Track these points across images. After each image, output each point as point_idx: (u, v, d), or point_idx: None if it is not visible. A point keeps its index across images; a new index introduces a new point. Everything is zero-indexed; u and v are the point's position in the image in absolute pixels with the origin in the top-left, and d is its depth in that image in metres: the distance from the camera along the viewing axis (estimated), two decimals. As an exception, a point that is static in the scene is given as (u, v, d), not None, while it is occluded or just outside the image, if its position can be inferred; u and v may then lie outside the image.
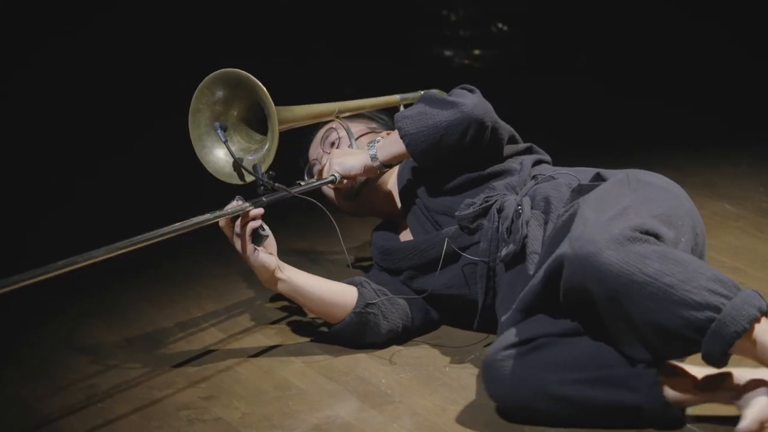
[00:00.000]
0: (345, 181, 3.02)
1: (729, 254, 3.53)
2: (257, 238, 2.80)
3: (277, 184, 2.81)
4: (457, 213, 2.90)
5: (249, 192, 2.83)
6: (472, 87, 2.97)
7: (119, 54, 5.41)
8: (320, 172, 3.12)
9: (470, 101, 2.89)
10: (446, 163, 2.97)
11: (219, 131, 2.83)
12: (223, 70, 2.83)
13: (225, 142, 2.81)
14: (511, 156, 3.02)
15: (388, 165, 3.03)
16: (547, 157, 3.07)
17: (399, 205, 3.12)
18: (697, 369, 2.49)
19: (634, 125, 5.00)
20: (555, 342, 2.52)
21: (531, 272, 2.72)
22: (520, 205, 2.81)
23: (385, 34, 6.14)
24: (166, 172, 4.25)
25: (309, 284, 2.91)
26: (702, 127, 4.92)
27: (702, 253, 2.75)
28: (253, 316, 3.16)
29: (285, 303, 3.24)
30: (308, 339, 3.03)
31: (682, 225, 2.61)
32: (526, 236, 2.77)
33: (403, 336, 2.98)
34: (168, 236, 2.67)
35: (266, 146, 2.83)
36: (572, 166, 2.98)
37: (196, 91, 2.85)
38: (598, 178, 2.80)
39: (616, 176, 2.71)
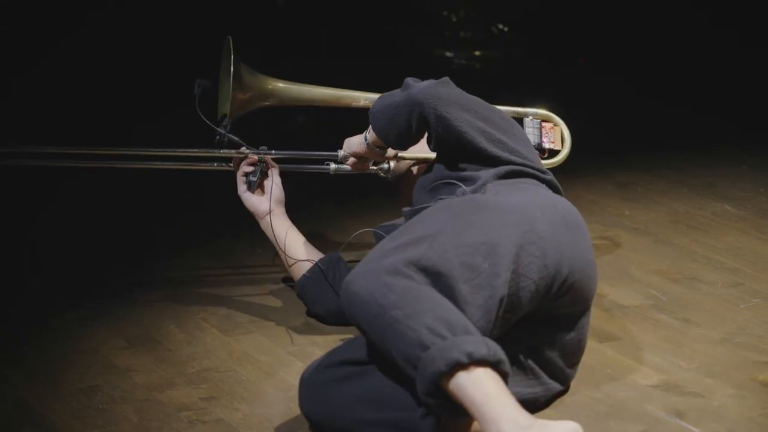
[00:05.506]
0: (350, 159, 3.10)
1: (729, 255, 3.53)
2: (248, 182, 3.11)
3: (229, 135, 3.10)
4: (403, 209, 2.93)
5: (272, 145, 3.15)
6: (445, 78, 2.92)
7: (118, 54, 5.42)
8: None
9: (419, 86, 2.87)
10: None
11: (197, 86, 3.10)
12: (225, 41, 3.14)
13: (195, 96, 3.08)
14: (491, 162, 2.86)
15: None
16: (539, 173, 2.85)
17: None
18: None
19: (634, 125, 5.00)
20: (363, 373, 2.46)
21: None
22: None
23: (385, 35, 6.14)
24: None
25: (288, 237, 3.10)
26: (703, 128, 4.92)
27: (576, 282, 2.60)
28: (253, 317, 3.16)
29: (285, 304, 3.24)
30: (309, 340, 3.02)
31: (522, 253, 2.49)
32: None
33: None
34: (172, 158, 3.17)
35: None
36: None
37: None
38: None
39: (452, 199, 2.62)
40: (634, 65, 5.83)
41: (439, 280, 2.38)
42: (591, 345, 2.95)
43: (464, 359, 2.24)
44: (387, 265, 2.36)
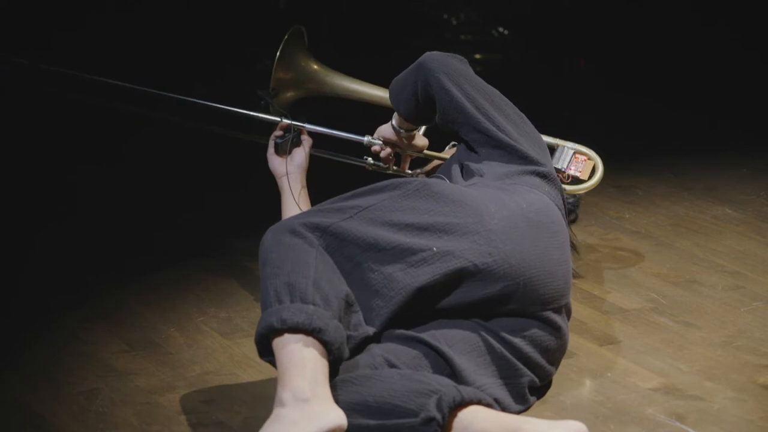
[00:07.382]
0: (378, 147, 3.14)
1: (730, 259, 3.53)
2: (276, 145, 3.22)
3: (265, 98, 3.22)
4: None
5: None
6: (462, 57, 2.93)
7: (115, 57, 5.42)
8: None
9: (430, 53, 2.88)
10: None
11: (260, 62, 3.39)
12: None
13: (257, 70, 3.31)
14: (496, 143, 2.84)
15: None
16: (538, 167, 2.81)
17: None
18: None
19: (635, 128, 5.00)
20: (363, 380, 2.44)
21: None
22: None
23: (385, 37, 6.15)
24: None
25: (298, 198, 3.13)
26: (703, 131, 4.92)
27: (533, 278, 2.59)
28: (254, 320, 3.15)
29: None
30: (309, 343, 3.02)
31: (462, 240, 2.54)
32: None
33: None
34: (215, 113, 3.25)
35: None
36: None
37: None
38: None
39: (410, 180, 2.65)
40: (635, 68, 5.83)
41: (344, 247, 2.49)
42: (591, 348, 2.96)
43: (278, 325, 2.35)
44: (292, 224, 2.48)
